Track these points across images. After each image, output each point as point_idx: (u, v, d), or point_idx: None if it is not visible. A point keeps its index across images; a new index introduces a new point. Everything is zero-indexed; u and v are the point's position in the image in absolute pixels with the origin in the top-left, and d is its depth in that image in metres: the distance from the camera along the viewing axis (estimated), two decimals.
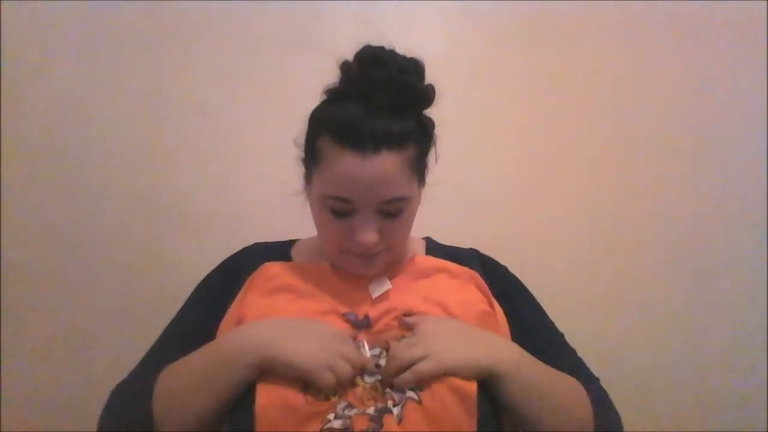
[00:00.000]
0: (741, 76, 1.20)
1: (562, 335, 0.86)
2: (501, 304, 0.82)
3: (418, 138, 0.75)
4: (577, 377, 0.76)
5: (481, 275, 0.83)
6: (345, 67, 0.76)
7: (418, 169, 0.77)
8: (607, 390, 0.82)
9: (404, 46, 0.80)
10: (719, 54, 1.20)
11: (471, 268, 0.84)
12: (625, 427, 1.14)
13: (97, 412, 1.12)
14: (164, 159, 1.18)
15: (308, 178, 0.80)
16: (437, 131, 0.85)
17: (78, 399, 1.15)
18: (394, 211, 0.74)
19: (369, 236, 0.73)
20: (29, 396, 1.14)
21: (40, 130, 1.15)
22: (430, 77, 0.83)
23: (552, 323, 0.87)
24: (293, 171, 0.84)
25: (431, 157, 0.82)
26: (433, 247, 0.90)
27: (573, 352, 0.85)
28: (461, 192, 1.17)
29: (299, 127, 0.84)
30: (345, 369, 0.65)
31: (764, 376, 1.17)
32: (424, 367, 0.65)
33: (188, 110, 1.18)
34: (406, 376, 0.65)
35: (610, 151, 1.21)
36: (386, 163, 0.71)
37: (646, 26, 1.21)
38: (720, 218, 1.20)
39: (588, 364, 0.85)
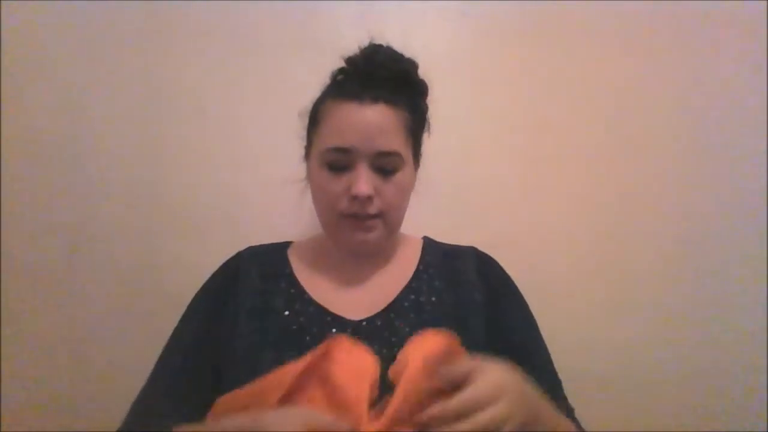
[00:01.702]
0: (741, 76, 1.20)
1: (548, 355, 0.85)
2: (491, 304, 0.82)
3: (413, 110, 0.81)
4: (556, 403, 0.74)
5: (476, 273, 0.85)
6: (349, 58, 0.83)
7: (414, 138, 0.82)
8: (607, 390, 0.82)
9: (404, 46, 0.81)
10: (719, 54, 1.20)
11: (467, 266, 0.86)
12: (625, 426, 1.15)
13: (97, 412, 1.12)
14: (164, 158, 1.18)
15: (308, 150, 0.84)
16: (437, 130, 0.86)
17: (78, 399, 1.15)
18: (389, 168, 0.78)
19: (364, 187, 0.75)
20: (29, 396, 1.14)
21: (40, 130, 1.16)
22: (430, 77, 0.84)
23: (541, 339, 0.86)
24: (294, 170, 0.85)
25: (424, 146, 0.85)
26: (431, 246, 0.91)
27: (555, 375, 0.84)
28: (460, 192, 1.17)
29: (299, 126, 0.84)
30: None
31: (764, 376, 1.17)
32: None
33: (188, 110, 1.18)
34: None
35: (610, 151, 1.21)
36: (383, 114, 0.77)
37: (646, 26, 1.21)
38: (720, 218, 1.20)
39: (588, 364, 0.85)
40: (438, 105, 0.86)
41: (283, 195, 0.92)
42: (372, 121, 0.76)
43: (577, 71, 1.21)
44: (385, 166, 0.77)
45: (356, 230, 0.79)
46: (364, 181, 0.75)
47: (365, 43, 0.82)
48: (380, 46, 0.81)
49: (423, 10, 1.18)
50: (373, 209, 0.77)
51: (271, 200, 1.15)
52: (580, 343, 1.15)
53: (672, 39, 1.21)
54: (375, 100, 0.76)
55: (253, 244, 0.92)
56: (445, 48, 1.18)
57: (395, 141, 0.77)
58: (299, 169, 0.88)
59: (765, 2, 1.19)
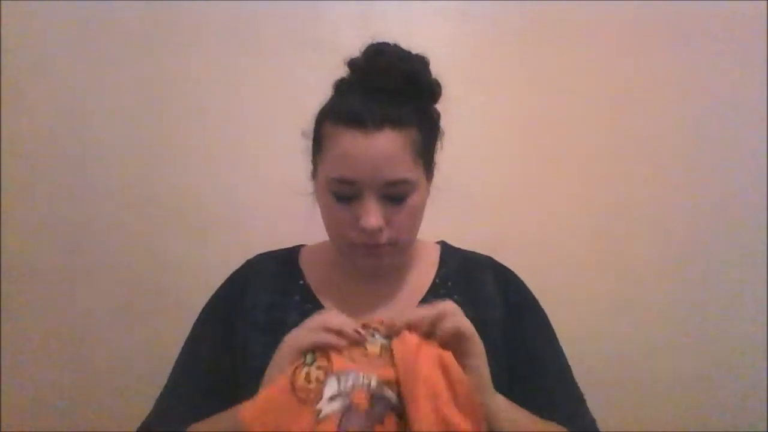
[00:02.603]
0: (741, 76, 1.20)
1: (568, 369, 0.81)
2: (511, 319, 0.79)
3: (422, 124, 0.75)
4: (573, 424, 0.73)
5: (495, 287, 0.82)
6: (351, 62, 0.77)
7: (424, 157, 0.76)
8: (607, 390, 0.81)
9: (404, 47, 0.80)
10: (719, 54, 1.20)
11: (485, 278, 0.83)
12: (626, 427, 1.15)
13: (97, 412, 1.12)
14: (164, 159, 1.18)
15: (314, 171, 0.79)
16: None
17: (78, 399, 1.15)
18: (398, 196, 0.73)
19: (373, 220, 0.70)
20: (29, 396, 1.14)
21: (40, 130, 1.15)
22: None
23: (561, 353, 0.82)
24: (295, 170, 0.84)
25: (438, 153, 0.81)
26: (449, 254, 0.88)
27: (576, 389, 0.80)
28: (461, 192, 1.17)
29: (300, 126, 0.84)
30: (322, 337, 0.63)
31: (764, 376, 1.17)
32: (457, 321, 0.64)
33: (188, 110, 1.18)
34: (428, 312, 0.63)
35: (609, 151, 1.21)
36: (389, 141, 0.71)
37: (645, 26, 1.21)
38: (720, 218, 1.20)
39: (589, 365, 0.84)
40: (438, 105, 0.86)
41: (285, 195, 0.91)
42: (378, 152, 0.70)
43: (577, 71, 1.21)
44: (394, 194, 0.72)
45: (367, 257, 0.75)
46: (372, 215, 0.71)
47: (368, 43, 0.77)
48: (385, 44, 0.76)
49: (423, 10, 1.18)
50: (383, 238, 0.73)
51: (273, 200, 1.15)
52: (581, 343, 1.15)
53: (672, 39, 1.21)
54: (380, 125, 0.70)
55: (254, 243, 0.90)
56: (445, 48, 1.18)
57: (404, 168, 0.72)
58: (300, 166, 0.86)
59: (765, 2, 1.19)
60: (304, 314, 0.75)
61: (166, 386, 0.80)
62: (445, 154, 0.86)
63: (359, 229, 0.72)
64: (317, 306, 0.79)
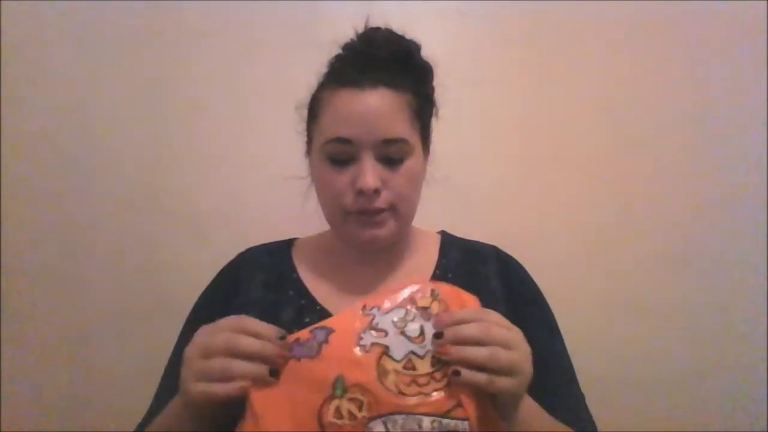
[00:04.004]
0: (741, 76, 1.20)
1: (571, 369, 0.80)
2: (512, 314, 0.75)
3: (416, 92, 0.76)
4: (571, 425, 0.71)
5: (498, 279, 0.80)
6: (346, 43, 0.79)
7: (420, 122, 0.76)
8: (606, 390, 0.81)
9: None
10: (719, 54, 1.20)
11: (488, 270, 0.81)
12: (625, 427, 1.15)
13: (97, 412, 1.12)
14: (164, 159, 1.18)
15: (309, 145, 0.79)
16: (436, 130, 0.85)
17: (78, 399, 1.15)
18: (395, 157, 0.72)
19: (370, 180, 0.69)
20: (29, 396, 1.14)
21: (40, 130, 1.16)
22: None
23: (564, 352, 0.80)
24: (296, 171, 0.84)
25: (434, 127, 0.81)
26: (449, 245, 0.85)
27: (578, 390, 0.79)
28: (460, 192, 1.17)
29: (297, 120, 0.84)
30: (221, 366, 0.55)
31: (764, 376, 1.17)
32: (507, 384, 0.56)
33: (188, 110, 1.18)
34: (480, 377, 0.54)
35: (609, 151, 1.21)
36: (384, 99, 0.71)
37: (646, 26, 1.21)
38: (720, 218, 1.20)
39: (588, 364, 0.84)
40: (437, 105, 0.86)
41: (285, 195, 0.91)
42: (373, 107, 0.70)
43: (576, 71, 1.21)
44: (391, 154, 0.71)
45: (365, 227, 0.73)
46: (369, 174, 0.69)
47: (362, 27, 0.79)
48: (378, 28, 0.77)
49: (423, 10, 1.18)
50: (381, 203, 0.71)
51: (273, 200, 1.15)
52: (580, 342, 1.15)
53: (672, 39, 1.21)
54: (375, 84, 0.71)
55: (254, 244, 0.90)
56: (445, 48, 1.17)
57: (400, 127, 0.72)
58: (301, 166, 0.87)
59: (765, 2, 1.19)
60: (299, 310, 0.75)
61: (158, 387, 0.78)
62: (444, 154, 0.86)
63: (356, 192, 0.71)
64: (312, 302, 0.77)
